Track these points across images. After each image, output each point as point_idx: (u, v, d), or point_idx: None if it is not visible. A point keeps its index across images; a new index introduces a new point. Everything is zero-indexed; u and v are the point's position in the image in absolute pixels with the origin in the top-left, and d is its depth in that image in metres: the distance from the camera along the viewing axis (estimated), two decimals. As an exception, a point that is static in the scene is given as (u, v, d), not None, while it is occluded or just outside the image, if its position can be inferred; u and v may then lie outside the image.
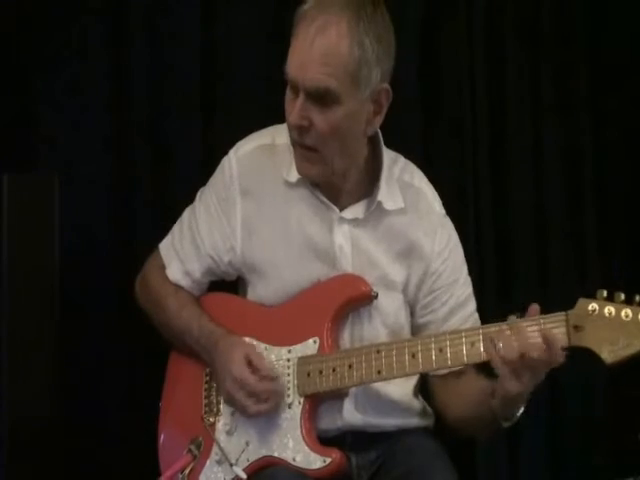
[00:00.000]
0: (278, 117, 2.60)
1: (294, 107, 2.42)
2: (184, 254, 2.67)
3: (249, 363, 2.48)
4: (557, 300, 2.36)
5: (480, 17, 3.40)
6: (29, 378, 2.76)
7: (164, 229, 2.77)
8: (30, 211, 2.77)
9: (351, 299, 2.54)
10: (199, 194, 2.70)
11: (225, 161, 2.65)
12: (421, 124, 3.35)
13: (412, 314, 2.62)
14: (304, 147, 2.46)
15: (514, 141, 3.45)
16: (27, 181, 2.78)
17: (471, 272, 2.66)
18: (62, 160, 3.07)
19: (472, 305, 2.63)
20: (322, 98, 2.39)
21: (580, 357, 2.37)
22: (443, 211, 2.64)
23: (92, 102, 3.13)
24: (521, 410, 2.41)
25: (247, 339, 2.57)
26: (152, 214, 3.16)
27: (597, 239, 3.47)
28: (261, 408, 2.47)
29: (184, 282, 2.67)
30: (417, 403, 2.64)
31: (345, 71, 2.37)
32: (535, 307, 2.36)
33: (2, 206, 2.73)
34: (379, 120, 2.49)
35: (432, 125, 3.38)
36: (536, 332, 2.30)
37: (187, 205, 2.74)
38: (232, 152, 2.65)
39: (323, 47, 2.36)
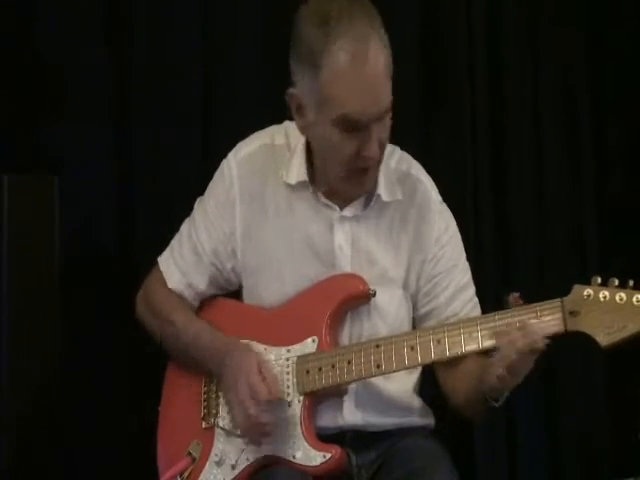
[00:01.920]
0: (278, 117, 2.61)
1: (368, 142, 2.39)
2: (186, 266, 2.64)
3: (259, 372, 2.47)
4: (556, 290, 2.37)
5: (481, 16, 3.41)
6: (29, 379, 2.77)
7: (164, 230, 2.77)
8: (30, 211, 2.77)
9: (348, 297, 2.54)
10: (197, 203, 2.68)
11: (224, 164, 2.64)
12: (420, 122, 3.37)
13: (414, 305, 2.62)
14: (373, 167, 2.48)
15: (514, 136, 3.47)
16: (27, 181, 2.78)
17: (470, 264, 2.67)
18: (62, 160, 3.07)
19: (472, 290, 2.64)
20: (387, 113, 2.41)
21: (580, 357, 2.38)
22: (440, 198, 2.65)
23: (92, 102, 3.14)
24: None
25: (246, 341, 2.56)
26: (152, 214, 3.16)
27: (596, 230, 3.48)
28: (260, 419, 2.44)
29: (187, 293, 2.65)
30: (417, 402, 2.64)
31: (390, 77, 2.40)
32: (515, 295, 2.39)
33: (2, 206, 2.73)
34: None
35: (432, 122, 3.39)
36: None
37: (187, 205, 2.72)
38: (231, 155, 2.64)
39: (381, 73, 2.36)
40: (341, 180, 2.49)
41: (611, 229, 3.47)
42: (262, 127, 2.69)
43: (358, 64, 2.34)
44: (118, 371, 3.12)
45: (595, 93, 3.49)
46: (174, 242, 2.69)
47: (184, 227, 2.69)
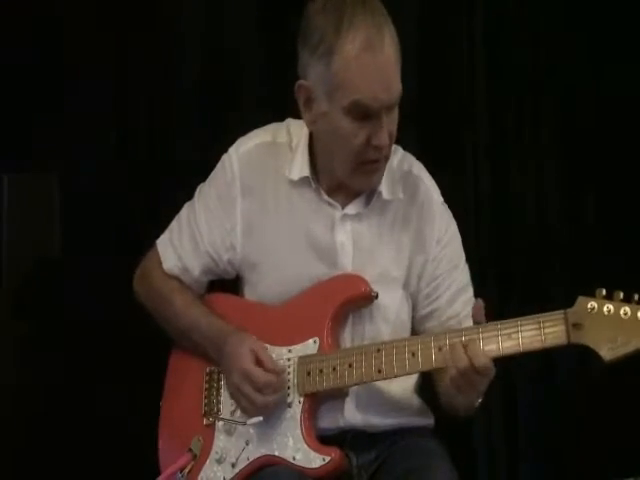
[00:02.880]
0: (278, 116, 2.60)
1: (379, 131, 2.41)
2: (183, 250, 2.66)
3: (256, 357, 2.49)
4: (557, 292, 2.36)
5: (480, 15, 3.42)
6: (29, 376, 2.77)
7: (164, 230, 2.76)
8: (30, 211, 2.78)
9: (351, 299, 2.54)
10: (198, 190, 2.69)
11: (225, 158, 2.64)
12: (419, 122, 3.37)
13: (415, 307, 2.61)
14: (384, 159, 2.48)
15: (514, 138, 3.47)
16: (27, 181, 2.79)
17: (470, 268, 2.67)
18: (62, 160, 3.08)
19: (471, 290, 2.64)
20: (396, 104, 2.43)
21: (579, 356, 2.38)
22: (441, 199, 2.65)
23: (92, 102, 3.15)
24: (479, 401, 2.48)
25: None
26: (152, 214, 3.16)
27: (597, 234, 3.48)
28: (267, 400, 2.47)
29: (183, 278, 2.67)
30: (417, 402, 2.64)
31: (399, 70, 2.42)
32: (478, 303, 2.41)
33: (2, 206, 2.74)
34: None
35: (430, 123, 3.40)
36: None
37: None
38: (232, 149, 2.64)
39: (396, 57, 2.40)
40: (349, 173, 2.49)
41: (611, 229, 3.47)
42: (263, 125, 2.69)
43: (371, 51, 2.36)
44: (119, 369, 3.12)
45: (596, 93, 3.49)
46: (173, 225, 2.71)
47: (184, 212, 2.70)
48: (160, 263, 2.68)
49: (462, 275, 2.63)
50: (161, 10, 3.22)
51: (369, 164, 2.47)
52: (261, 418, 2.48)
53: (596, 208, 3.49)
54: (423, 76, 3.39)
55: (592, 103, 3.49)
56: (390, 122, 2.43)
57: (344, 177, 2.51)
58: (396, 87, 2.41)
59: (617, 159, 3.49)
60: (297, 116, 2.56)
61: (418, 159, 2.68)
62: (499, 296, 3.32)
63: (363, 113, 2.39)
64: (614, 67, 3.47)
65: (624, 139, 3.47)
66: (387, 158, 2.50)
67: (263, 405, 2.47)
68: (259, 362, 2.48)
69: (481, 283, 2.70)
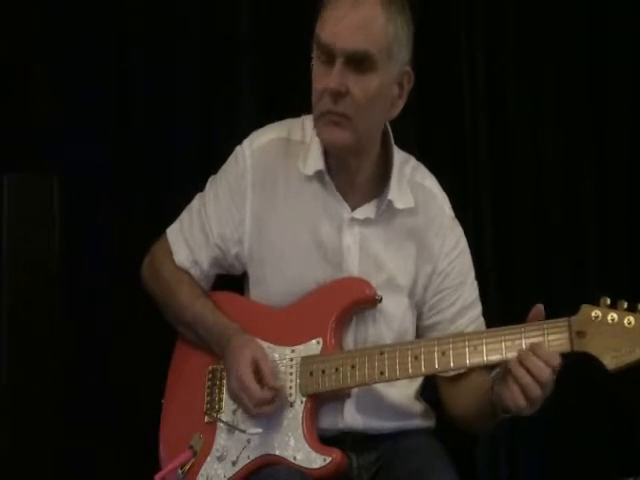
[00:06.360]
0: (278, 115, 2.60)
1: (329, 74, 2.41)
2: (193, 242, 2.66)
3: (256, 367, 2.48)
4: (558, 303, 2.37)
5: (480, 17, 3.42)
6: (29, 379, 2.77)
7: (164, 230, 2.76)
8: (30, 211, 2.77)
9: (355, 301, 2.54)
10: (209, 182, 2.69)
11: (239, 151, 2.64)
12: (419, 126, 3.37)
13: (419, 316, 2.62)
14: (336, 114, 2.44)
15: (514, 142, 3.47)
16: (27, 181, 2.78)
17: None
18: (62, 160, 3.07)
19: (479, 308, 2.64)
20: (361, 63, 2.40)
21: (580, 356, 2.38)
22: (452, 214, 2.65)
23: (92, 102, 3.15)
24: None
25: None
26: (152, 214, 3.16)
27: (598, 242, 3.48)
28: (262, 410, 2.47)
29: (192, 271, 2.67)
30: (418, 406, 2.64)
31: (381, 40, 2.40)
32: (539, 309, 2.37)
33: (2, 206, 2.73)
34: (401, 104, 2.51)
35: (430, 127, 3.40)
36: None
37: (185, 206, 2.73)
38: (246, 143, 2.64)
39: (361, 16, 2.40)
40: (315, 124, 2.49)
41: (611, 232, 3.48)
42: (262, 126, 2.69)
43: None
44: (120, 366, 3.12)
45: (596, 93, 3.49)
46: (184, 216, 2.71)
47: (195, 203, 2.70)
48: (170, 253, 2.69)
49: (469, 292, 2.63)
50: (161, 10, 3.22)
51: (326, 115, 2.45)
52: (260, 430, 2.48)
53: (600, 205, 3.49)
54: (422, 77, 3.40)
55: (591, 103, 3.51)
56: (347, 76, 2.40)
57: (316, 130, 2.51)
58: (352, 37, 2.39)
59: (618, 157, 3.50)
60: (297, 115, 2.57)
61: (416, 157, 2.68)
62: (500, 301, 3.33)
63: (325, 56, 2.41)
64: (614, 67, 3.48)
65: (626, 134, 3.49)
66: (338, 115, 2.44)
67: (259, 414, 2.48)
68: (258, 373, 2.47)
69: (483, 289, 2.70)
